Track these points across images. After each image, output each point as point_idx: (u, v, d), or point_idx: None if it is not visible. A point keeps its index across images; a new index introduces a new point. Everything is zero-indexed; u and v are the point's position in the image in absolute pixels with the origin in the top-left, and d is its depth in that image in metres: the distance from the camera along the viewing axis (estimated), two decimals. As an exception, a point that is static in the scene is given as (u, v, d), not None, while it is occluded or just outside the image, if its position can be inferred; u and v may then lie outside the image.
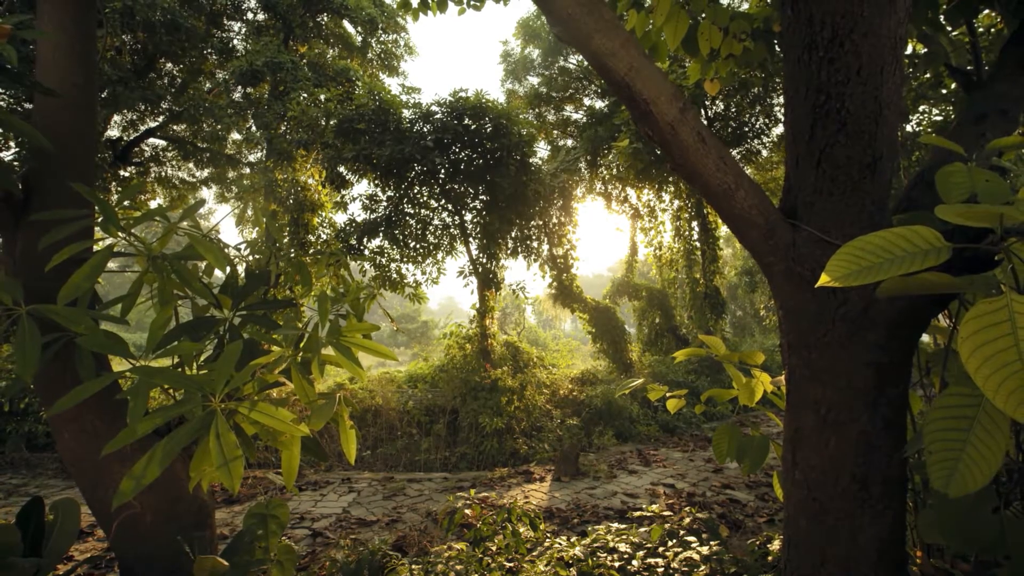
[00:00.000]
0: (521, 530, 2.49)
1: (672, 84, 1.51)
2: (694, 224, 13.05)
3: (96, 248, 1.41)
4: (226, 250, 1.94)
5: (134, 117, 11.82)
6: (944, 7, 2.28)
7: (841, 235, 1.48)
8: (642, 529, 2.74)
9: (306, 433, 1.12)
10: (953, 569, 1.65)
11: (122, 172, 11.88)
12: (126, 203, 1.38)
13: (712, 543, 2.32)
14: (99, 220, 1.25)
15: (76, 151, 1.68)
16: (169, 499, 1.55)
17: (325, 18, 12.46)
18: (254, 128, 11.71)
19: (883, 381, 1.51)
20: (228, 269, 1.67)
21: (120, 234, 1.22)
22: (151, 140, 12.96)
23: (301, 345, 1.56)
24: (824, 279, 1.13)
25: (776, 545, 2.31)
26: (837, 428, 1.55)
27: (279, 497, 5.46)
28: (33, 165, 1.57)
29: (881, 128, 1.39)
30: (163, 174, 13.81)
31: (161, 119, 12.07)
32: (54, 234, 1.17)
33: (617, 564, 2.34)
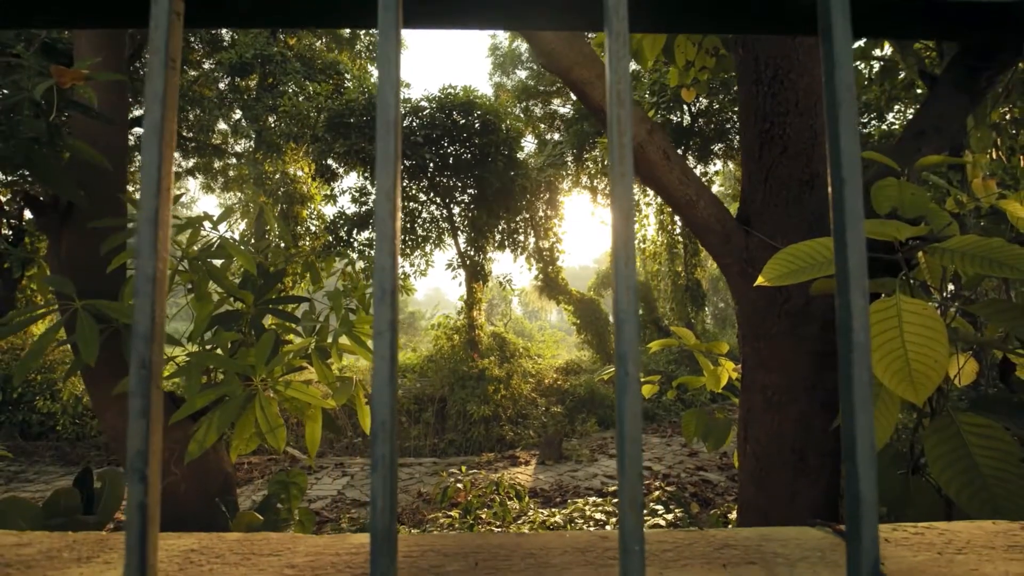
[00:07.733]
0: (507, 503, 2.74)
1: (641, 109, 1.73)
2: (677, 219, 13.34)
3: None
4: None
5: (119, 106, 11.71)
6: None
7: (785, 241, 1.71)
8: (616, 501, 3.01)
9: (333, 406, 1.33)
10: (877, 526, 1.92)
11: (107, 161, 11.79)
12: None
13: (676, 510, 2.59)
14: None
15: (111, 162, 1.85)
16: (201, 471, 1.76)
17: (313, 9, 12.41)
18: (243, 121, 11.69)
19: (820, 368, 1.76)
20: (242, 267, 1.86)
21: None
22: (134, 129, 12.84)
23: (315, 335, 1.77)
24: (761, 280, 1.37)
25: (735, 515, 2.59)
26: (781, 409, 1.80)
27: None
28: (77, 175, 1.74)
29: (817, 151, 1.62)
30: (147, 163, 13.66)
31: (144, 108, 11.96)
32: (113, 240, 1.36)
33: (592, 528, 2.60)
